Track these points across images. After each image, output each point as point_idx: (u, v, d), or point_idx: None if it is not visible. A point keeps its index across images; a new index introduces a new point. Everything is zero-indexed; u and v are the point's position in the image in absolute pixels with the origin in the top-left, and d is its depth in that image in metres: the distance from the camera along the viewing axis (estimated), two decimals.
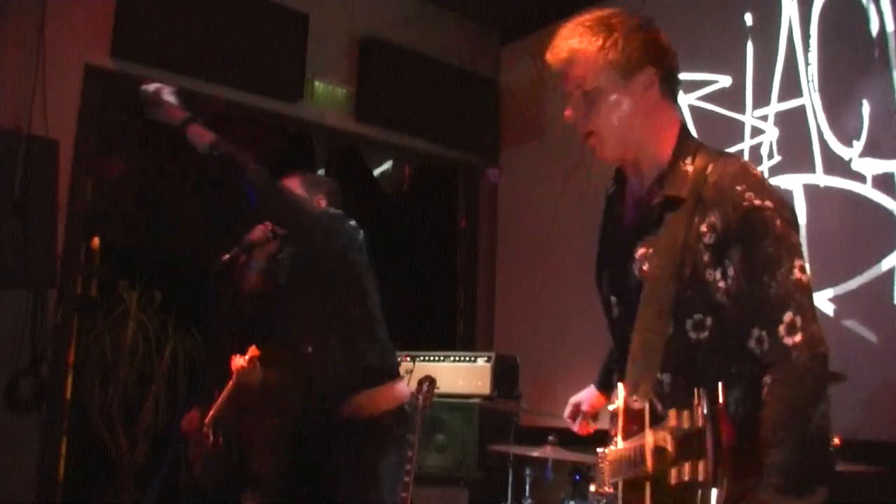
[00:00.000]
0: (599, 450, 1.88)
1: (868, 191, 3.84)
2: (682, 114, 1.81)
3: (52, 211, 3.95)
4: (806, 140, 4.12)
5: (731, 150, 4.44)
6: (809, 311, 1.59)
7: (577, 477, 3.92)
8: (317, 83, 5.12)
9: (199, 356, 4.71)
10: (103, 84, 4.36)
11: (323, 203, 3.31)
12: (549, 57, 1.89)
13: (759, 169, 2.00)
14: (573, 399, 2.32)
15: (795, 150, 4.17)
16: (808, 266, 1.64)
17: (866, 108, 3.91)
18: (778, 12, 4.33)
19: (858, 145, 3.92)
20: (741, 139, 4.43)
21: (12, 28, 4.03)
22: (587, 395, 2.30)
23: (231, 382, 3.66)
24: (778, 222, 1.61)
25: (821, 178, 4.04)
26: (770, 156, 4.31)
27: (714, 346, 1.66)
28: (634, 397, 1.65)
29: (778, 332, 1.56)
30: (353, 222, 3.19)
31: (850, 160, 3.94)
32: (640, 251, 1.72)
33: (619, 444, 1.71)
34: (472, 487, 4.37)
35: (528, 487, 3.99)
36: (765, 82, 4.37)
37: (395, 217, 5.59)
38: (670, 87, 1.83)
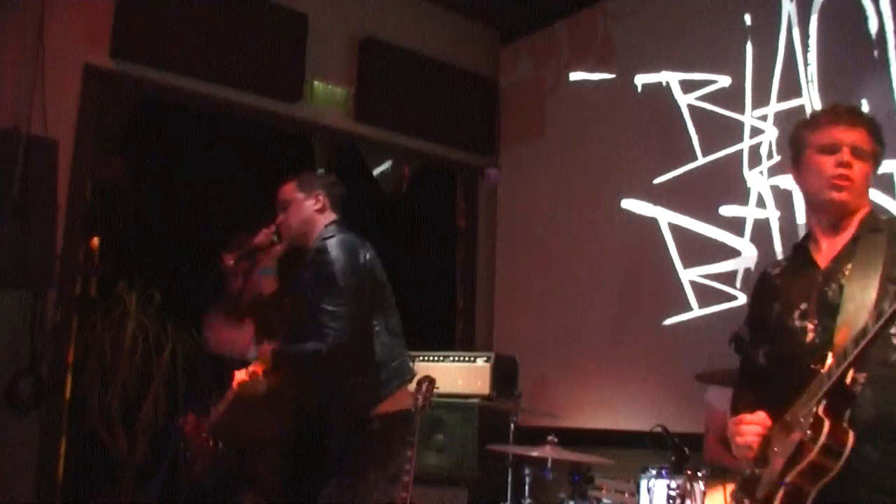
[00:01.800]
0: None
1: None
2: None
3: (52, 211, 3.95)
4: None
5: (731, 150, 4.47)
6: None
7: (576, 477, 3.92)
8: (316, 83, 5.13)
9: (198, 356, 4.70)
10: (103, 84, 4.37)
11: (322, 199, 3.30)
12: (846, 111, 2.23)
13: (758, 169, 2.17)
14: (754, 420, 2.12)
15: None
16: None
17: (866, 108, 3.91)
18: (777, 12, 4.33)
19: None
20: (741, 139, 4.43)
21: (12, 28, 4.03)
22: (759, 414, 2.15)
23: (231, 393, 3.66)
24: None
25: None
26: (769, 156, 4.31)
27: None
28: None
29: None
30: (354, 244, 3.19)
31: None
32: (843, 275, 2.05)
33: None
34: (472, 487, 4.37)
35: (527, 487, 3.99)
36: (764, 82, 4.37)
37: (394, 217, 5.59)
38: None
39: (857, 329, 1.86)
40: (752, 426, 2.07)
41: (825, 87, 4.10)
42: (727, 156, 4.46)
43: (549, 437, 3.85)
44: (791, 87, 4.24)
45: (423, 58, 5.55)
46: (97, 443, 4.57)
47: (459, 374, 4.66)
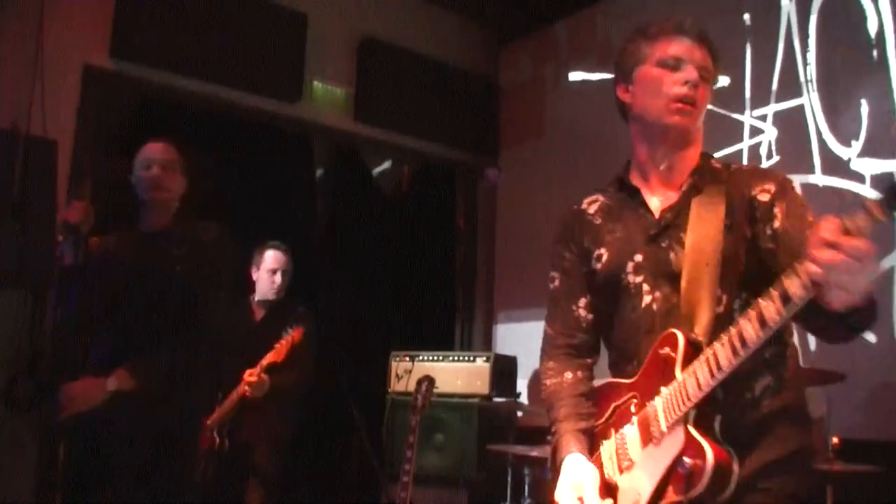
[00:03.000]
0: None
1: (867, 191, 3.85)
2: None
3: (51, 211, 3.94)
4: (805, 140, 4.13)
5: (731, 150, 4.47)
6: None
7: None
8: (316, 83, 5.12)
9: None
10: (102, 84, 4.36)
11: (180, 179, 3.12)
12: (684, 21, 1.91)
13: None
14: (571, 497, 1.76)
15: (794, 150, 4.17)
16: None
17: (865, 108, 3.91)
18: (776, 12, 4.33)
19: (857, 145, 3.92)
20: (740, 139, 4.43)
21: (11, 29, 4.03)
22: (583, 475, 1.77)
23: (238, 392, 3.68)
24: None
25: (819, 178, 4.05)
26: (769, 156, 4.31)
27: None
28: (692, 334, 1.66)
29: None
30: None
31: (849, 160, 3.94)
32: (683, 233, 1.77)
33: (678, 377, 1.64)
34: (472, 487, 4.37)
35: (527, 487, 3.99)
36: (764, 82, 4.37)
37: (393, 217, 5.58)
38: None
39: (705, 318, 1.64)
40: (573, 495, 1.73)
41: (824, 87, 4.10)
42: (727, 156, 4.47)
43: (549, 437, 3.85)
44: (790, 87, 4.24)
45: (423, 58, 5.55)
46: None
47: (459, 374, 4.66)
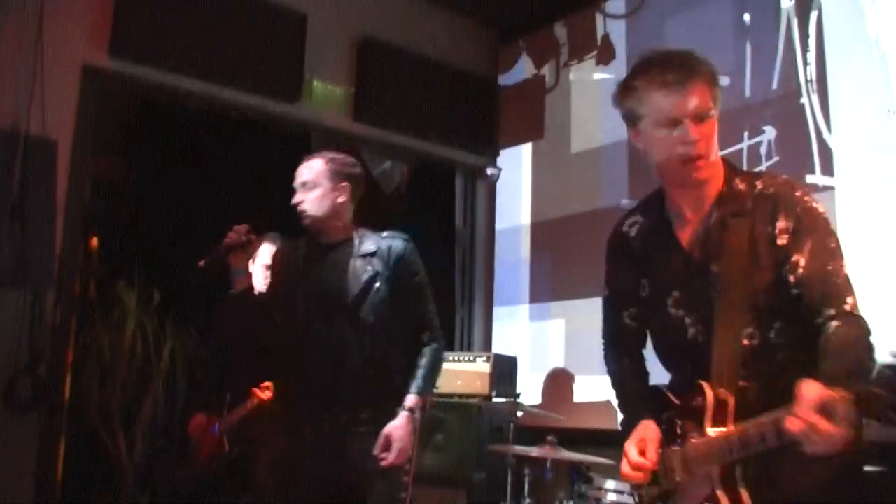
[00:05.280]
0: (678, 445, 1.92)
1: (866, 191, 3.85)
2: None
3: (51, 211, 3.95)
4: (804, 140, 4.12)
5: (730, 150, 4.46)
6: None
7: (576, 477, 3.92)
8: (315, 83, 5.12)
9: (197, 356, 4.70)
10: (101, 84, 4.36)
11: (348, 188, 3.06)
12: (663, 81, 1.85)
13: (760, 169, 2.08)
14: (636, 446, 2.00)
15: (794, 150, 4.17)
16: None
17: (865, 108, 3.91)
18: (776, 12, 4.33)
19: (857, 145, 3.92)
20: (740, 139, 4.42)
21: (10, 28, 4.02)
22: (650, 434, 2.01)
23: (251, 405, 3.64)
24: (829, 223, 1.85)
25: (819, 178, 4.04)
26: (769, 156, 4.31)
27: (792, 348, 1.83)
28: (721, 390, 1.80)
29: (845, 309, 1.74)
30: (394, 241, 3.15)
31: (849, 160, 3.94)
32: (714, 269, 1.87)
33: (709, 433, 1.81)
34: (471, 487, 4.36)
35: (527, 487, 3.99)
36: (763, 82, 4.37)
37: (393, 216, 5.58)
38: None
39: (740, 354, 1.81)
40: (639, 462, 1.96)
41: (824, 87, 4.10)
42: (726, 155, 4.45)
43: (549, 437, 3.85)
44: (790, 87, 4.24)
45: (422, 58, 5.55)
46: (96, 443, 4.57)
47: (459, 375, 4.66)
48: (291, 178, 3.12)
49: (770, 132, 4.33)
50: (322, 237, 3.08)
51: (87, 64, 4.28)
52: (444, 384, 4.34)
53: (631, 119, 1.94)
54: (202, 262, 3.16)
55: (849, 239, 3.82)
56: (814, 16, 4.18)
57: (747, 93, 4.43)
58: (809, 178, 4.07)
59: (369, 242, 3.09)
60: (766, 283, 1.81)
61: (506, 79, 5.95)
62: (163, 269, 4.70)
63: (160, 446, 4.73)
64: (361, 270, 3.00)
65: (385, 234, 3.16)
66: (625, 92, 1.92)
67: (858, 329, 1.73)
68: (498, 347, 5.41)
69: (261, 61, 4.75)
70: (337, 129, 5.28)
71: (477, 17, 5.91)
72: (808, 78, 4.16)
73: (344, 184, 3.05)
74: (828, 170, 4.01)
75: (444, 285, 5.82)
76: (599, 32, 5.32)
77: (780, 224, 1.81)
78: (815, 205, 1.85)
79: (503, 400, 4.59)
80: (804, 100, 4.17)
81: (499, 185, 5.89)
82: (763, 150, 4.34)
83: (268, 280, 4.06)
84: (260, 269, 4.12)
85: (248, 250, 3.18)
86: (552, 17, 5.63)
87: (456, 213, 5.97)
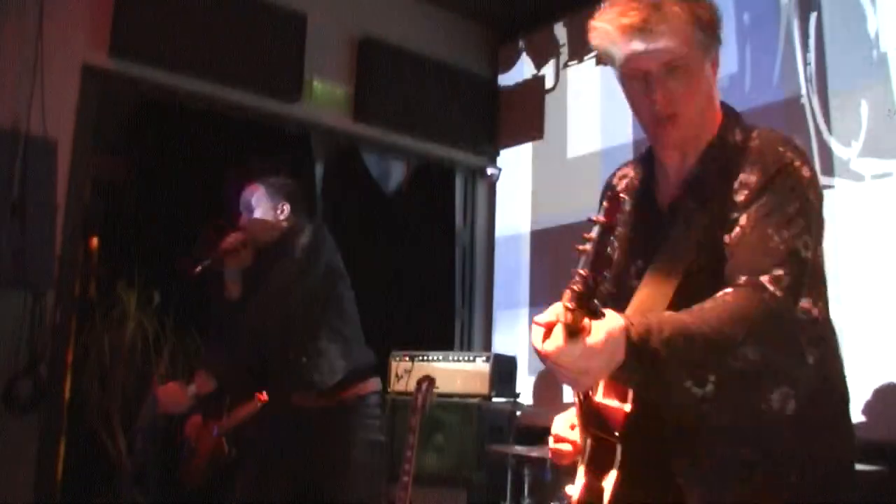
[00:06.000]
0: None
1: (867, 191, 3.84)
2: None
3: (51, 211, 3.94)
4: (804, 140, 4.12)
5: None
6: (797, 285, 1.48)
7: None
8: (315, 83, 5.12)
9: (197, 357, 4.70)
10: (101, 84, 4.36)
11: (286, 208, 3.36)
12: (620, 25, 1.56)
13: None
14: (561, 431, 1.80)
15: None
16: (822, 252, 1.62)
17: (865, 108, 3.91)
18: (776, 12, 4.33)
19: (857, 145, 3.92)
20: None
21: (10, 28, 4.02)
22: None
23: (252, 408, 3.65)
24: (811, 193, 1.58)
25: (819, 179, 4.04)
26: None
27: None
28: None
29: (760, 278, 1.45)
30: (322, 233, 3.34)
31: (849, 160, 3.94)
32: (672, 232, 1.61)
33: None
34: (471, 487, 4.37)
35: (526, 487, 3.99)
36: (763, 82, 4.36)
37: (392, 216, 5.59)
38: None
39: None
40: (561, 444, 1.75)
41: (824, 87, 4.10)
42: None
43: (549, 438, 3.85)
44: (790, 87, 4.24)
45: (422, 58, 5.55)
46: (96, 443, 4.57)
47: (459, 374, 4.66)
48: (291, 177, 3.19)
49: None
50: None
51: (87, 64, 4.28)
52: (444, 384, 4.33)
53: (607, 62, 1.67)
54: (198, 269, 3.26)
55: (849, 239, 3.84)
56: (814, 16, 4.18)
57: (747, 93, 4.43)
58: None
59: None
60: (705, 266, 1.54)
61: (506, 79, 5.95)
62: (163, 269, 4.70)
63: (159, 447, 4.72)
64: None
65: None
66: (591, 32, 1.63)
67: (745, 301, 1.41)
68: (498, 348, 5.41)
69: (261, 61, 4.75)
70: (337, 129, 5.28)
71: (477, 17, 5.91)
72: (808, 78, 4.16)
73: None
74: (828, 170, 4.01)
75: (443, 285, 5.82)
76: None
77: (743, 177, 1.55)
78: (796, 164, 1.57)
79: (503, 400, 4.59)
80: (804, 100, 4.17)
81: (498, 185, 5.89)
82: None
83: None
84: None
85: (243, 254, 3.31)
86: (552, 17, 5.63)
87: (456, 212, 5.97)
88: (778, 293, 1.44)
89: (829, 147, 4.03)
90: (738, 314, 1.39)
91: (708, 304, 1.42)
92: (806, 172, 1.59)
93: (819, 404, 1.56)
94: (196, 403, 3.32)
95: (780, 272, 1.46)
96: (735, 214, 1.53)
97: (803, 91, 4.17)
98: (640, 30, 1.53)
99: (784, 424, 1.52)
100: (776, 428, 1.51)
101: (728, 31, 4.52)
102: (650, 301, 1.53)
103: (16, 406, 3.87)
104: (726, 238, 1.52)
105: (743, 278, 1.46)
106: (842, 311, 3.86)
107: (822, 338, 1.60)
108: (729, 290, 1.45)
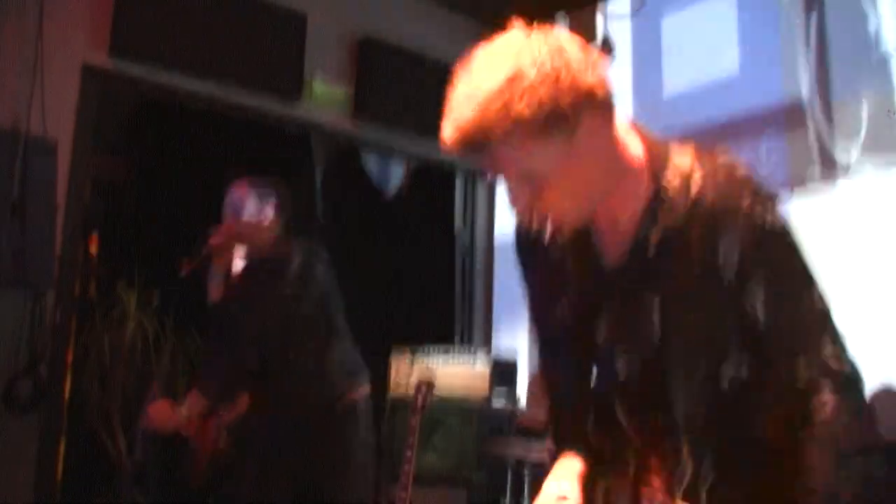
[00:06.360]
0: None
1: (866, 191, 3.84)
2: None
3: (51, 211, 3.94)
4: (805, 140, 4.12)
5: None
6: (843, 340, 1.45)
7: None
8: (315, 83, 5.12)
9: (198, 356, 4.70)
10: (101, 84, 4.36)
11: (271, 211, 3.36)
12: (450, 130, 1.35)
13: (759, 172, 1.70)
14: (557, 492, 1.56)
15: (794, 150, 4.17)
16: None
17: (865, 108, 3.91)
18: (776, 12, 4.33)
19: (857, 145, 3.92)
20: (740, 141, 4.42)
21: (10, 28, 4.02)
22: (573, 474, 1.59)
23: (246, 403, 3.67)
24: (790, 228, 1.43)
25: (819, 179, 4.04)
26: (769, 157, 4.31)
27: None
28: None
29: (827, 365, 1.41)
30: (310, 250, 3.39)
31: (850, 161, 3.94)
32: (651, 295, 1.42)
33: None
34: (471, 487, 4.37)
35: (526, 488, 3.99)
36: (763, 82, 4.36)
37: (392, 217, 5.59)
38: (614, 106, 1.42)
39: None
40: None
41: (824, 87, 4.10)
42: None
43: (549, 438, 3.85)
44: (791, 88, 4.23)
45: (422, 57, 5.54)
46: (96, 443, 4.57)
47: (458, 375, 4.66)
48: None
49: (770, 133, 4.32)
50: None
51: (87, 64, 4.28)
52: (444, 385, 4.33)
53: None
54: (186, 270, 3.28)
55: (849, 239, 3.84)
56: (814, 16, 4.18)
57: (747, 93, 4.43)
58: (810, 179, 4.07)
59: None
60: (720, 314, 1.40)
61: None
62: (163, 269, 4.70)
63: (159, 447, 4.73)
64: None
65: None
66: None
67: (847, 411, 1.40)
68: (498, 349, 5.41)
69: (261, 61, 4.75)
70: (337, 129, 5.28)
71: (477, 16, 5.91)
72: (809, 78, 4.16)
73: None
74: (828, 170, 4.01)
75: (444, 286, 5.82)
76: (599, 32, 5.32)
77: (724, 248, 1.37)
78: (767, 217, 1.39)
79: (503, 401, 4.59)
80: (805, 101, 4.17)
81: (498, 186, 5.89)
82: (763, 151, 4.34)
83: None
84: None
85: (228, 256, 3.33)
86: (552, 17, 5.63)
87: (456, 213, 5.97)
88: (839, 367, 1.42)
89: (829, 148, 4.03)
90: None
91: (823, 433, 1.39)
92: (774, 215, 1.41)
93: None
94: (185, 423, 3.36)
95: (829, 345, 1.43)
96: (732, 284, 1.39)
97: (804, 91, 4.17)
98: (471, 143, 1.30)
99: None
100: None
101: (728, 31, 4.53)
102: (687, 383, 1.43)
103: (16, 406, 3.87)
104: (749, 309, 1.39)
105: (806, 358, 1.40)
106: (841, 312, 3.86)
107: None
108: (824, 395, 1.39)
